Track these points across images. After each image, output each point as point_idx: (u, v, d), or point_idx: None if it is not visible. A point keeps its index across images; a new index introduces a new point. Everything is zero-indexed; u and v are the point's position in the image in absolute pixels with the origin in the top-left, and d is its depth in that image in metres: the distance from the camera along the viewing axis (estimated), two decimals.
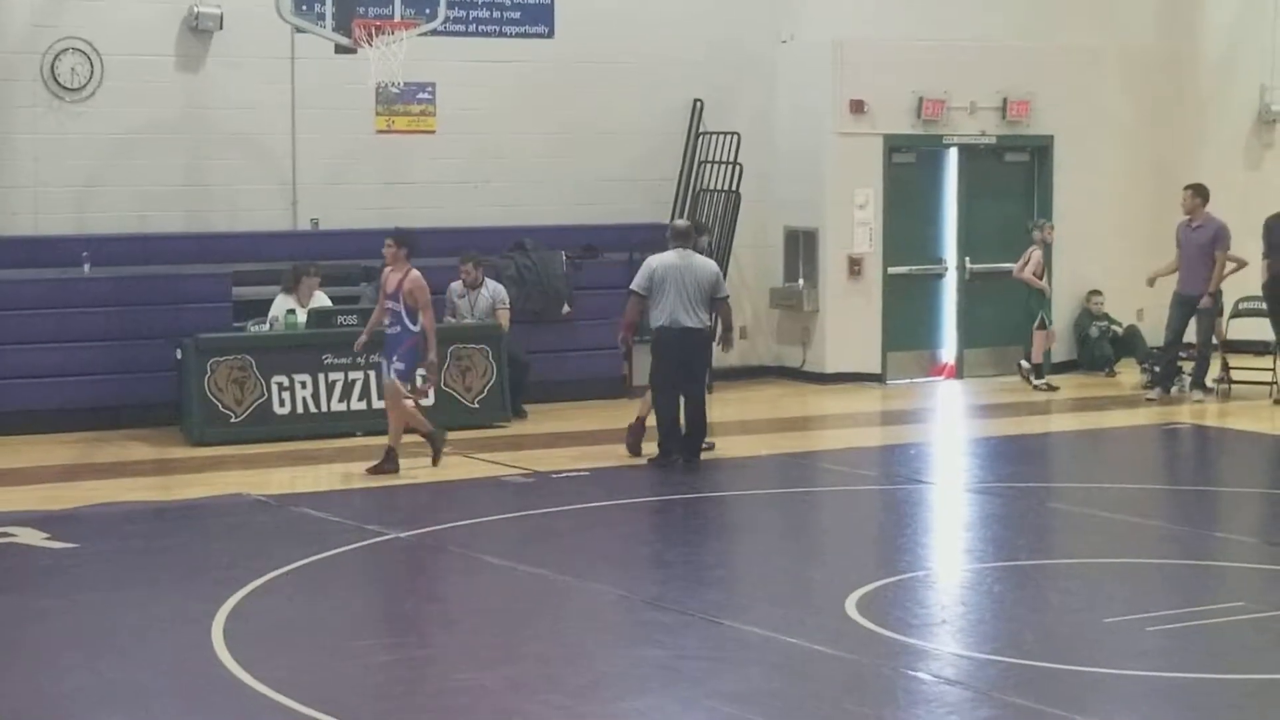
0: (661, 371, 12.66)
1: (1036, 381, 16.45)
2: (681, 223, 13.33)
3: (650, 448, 12.71)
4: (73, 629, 8.41)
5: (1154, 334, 16.69)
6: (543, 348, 15.07)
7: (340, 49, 13.84)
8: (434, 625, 8.66)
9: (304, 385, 13.65)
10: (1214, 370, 15.91)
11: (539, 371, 14.85)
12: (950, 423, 15.57)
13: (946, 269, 17.25)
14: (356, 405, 13.57)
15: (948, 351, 17.30)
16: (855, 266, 16.61)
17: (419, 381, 12.25)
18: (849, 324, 16.63)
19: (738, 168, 16.14)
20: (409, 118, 15.55)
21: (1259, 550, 10.30)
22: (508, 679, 7.61)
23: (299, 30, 14.14)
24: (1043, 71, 17.26)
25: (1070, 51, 17.44)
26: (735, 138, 16.16)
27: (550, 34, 16.02)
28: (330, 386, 13.71)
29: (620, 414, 14.40)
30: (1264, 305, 15.96)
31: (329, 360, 13.63)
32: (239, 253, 14.67)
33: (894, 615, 8.65)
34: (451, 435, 13.54)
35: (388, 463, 12.19)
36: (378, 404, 12.73)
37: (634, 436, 12.82)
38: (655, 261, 12.61)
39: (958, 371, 17.21)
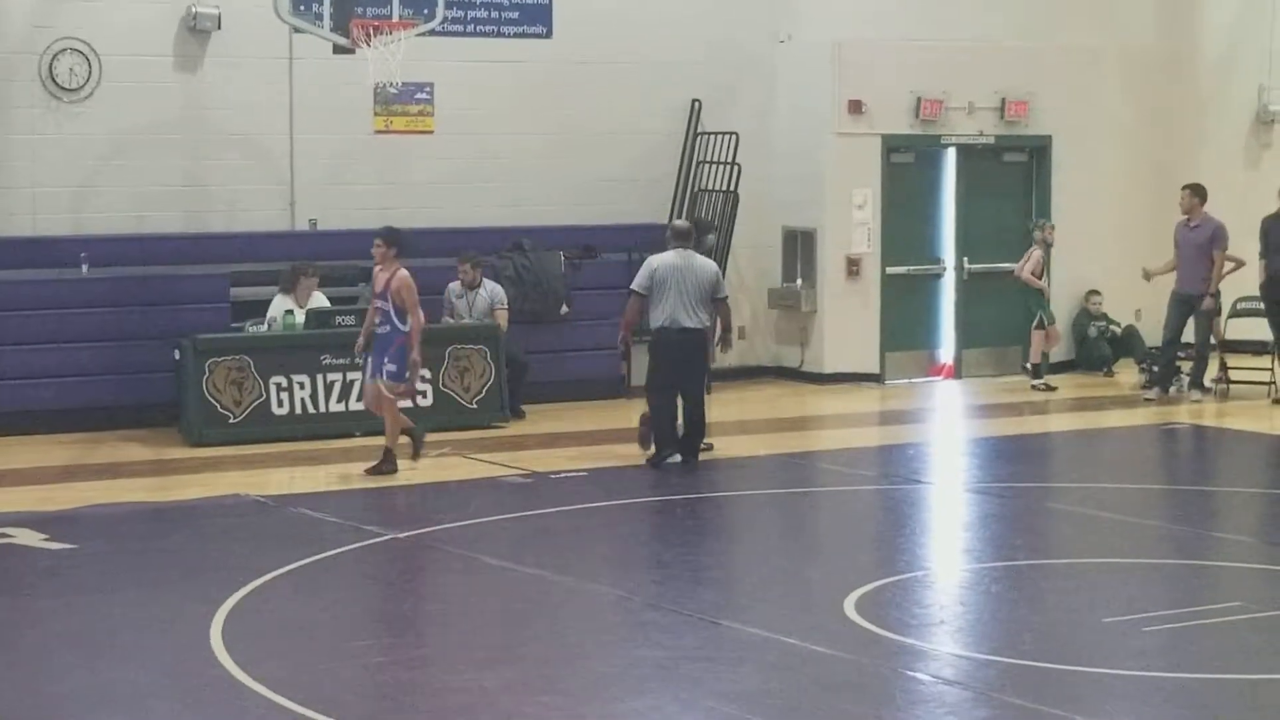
0: (659, 371, 12.66)
1: (1035, 382, 16.46)
2: (682, 223, 13.34)
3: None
4: (70, 630, 8.41)
5: (1152, 334, 16.69)
6: (541, 348, 15.07)
7: (338, 49, 13.83)
8: (432, 626, 8.66)
9: (302, 386, 13.65)
10: (1212, 370, 15.92)
11: (537, 372, 14.85)
12: (948, 423, 15.57)
13: (945, 269, 17.25)
14: (355, 406, 13.55)
15: (946, 351, 17.30)
16: (853, 266, 16.61)
17: (384, 375, 12.18)
18: (847, 324, 16.63)
19: (736, 168, 16.14)
20: (407, 118, 15.55)
21: (1257, 550, 10.31)
22: (506, 679, 7.61)
23: (297, 30, 14.13)
24: (1041, 71, 17.26)
25: (1069, 51, 17.44)
26: (733, 138, 16.16)
27: (548, 34, 16.02)
28: (328, 387, 13.70)
29: (618, 415, 14.42)
30: (1262, 305, 15.96)
31: (327, 361, 13.63)
32: (237, 253, 14.67)
33: (892, 615, 8.65)
34: (450, 436, 13.58)
35: (386, 463, 12.18)
36: (373, 405, 12.71)
37: (646, 427, 12.83)
38: (656, 261, 12.61)
39: (956, 372, 17.21)
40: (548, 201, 15.98)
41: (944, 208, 17.24)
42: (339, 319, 13.72)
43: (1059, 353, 17.11)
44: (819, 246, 16.59)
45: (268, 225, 15.01)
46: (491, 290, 14.68)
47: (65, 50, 14.35)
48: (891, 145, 16.77)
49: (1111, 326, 17.53)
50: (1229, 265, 15.71)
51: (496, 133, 15.76)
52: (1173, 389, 15.80)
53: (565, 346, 15.37)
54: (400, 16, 13.85)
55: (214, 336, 13.69)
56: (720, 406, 14.75)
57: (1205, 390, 15.77)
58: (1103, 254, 17.37)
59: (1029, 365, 16.69)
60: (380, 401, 12.20)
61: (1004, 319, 17.16)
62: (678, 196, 16.43)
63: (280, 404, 13.61)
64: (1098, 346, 17.42)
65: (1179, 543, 10.55)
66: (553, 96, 15.96)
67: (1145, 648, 8.12)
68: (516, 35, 15.90)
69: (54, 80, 14.34)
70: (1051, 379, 16.47)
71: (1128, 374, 17.04)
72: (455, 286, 14.65)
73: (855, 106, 16.50)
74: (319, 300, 14.06)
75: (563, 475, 12.21)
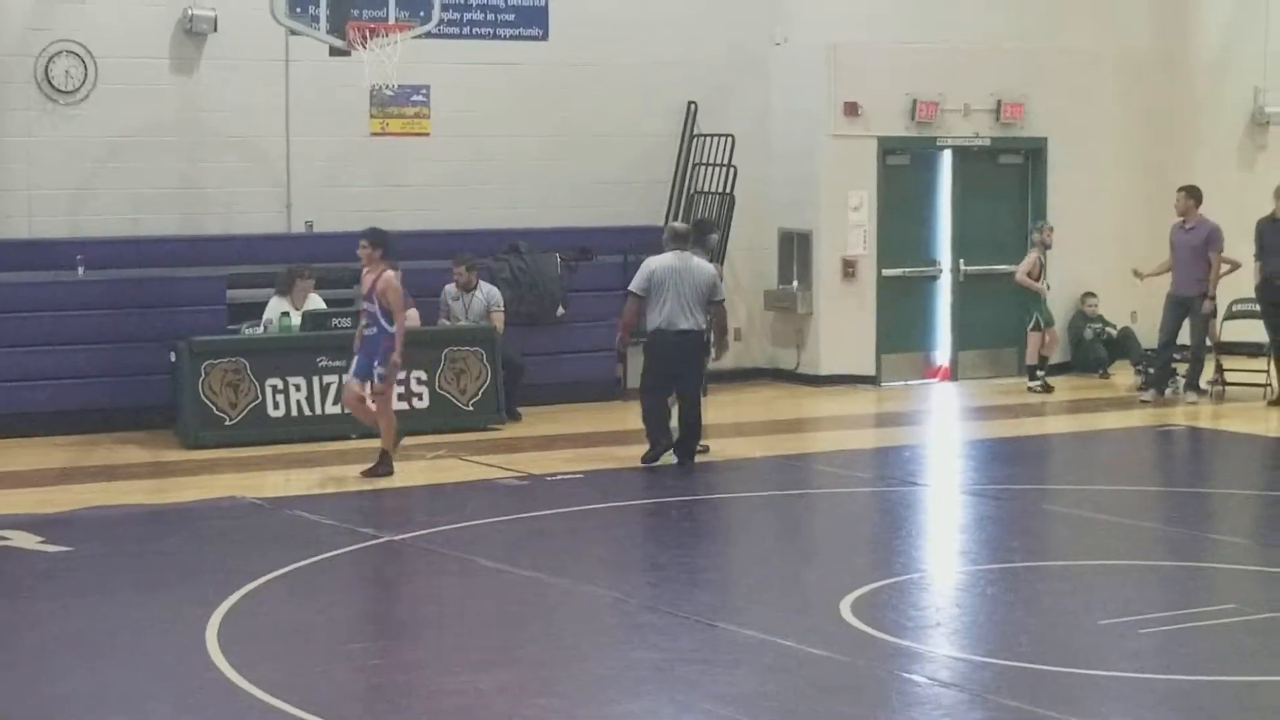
0: (653, 372, 12.68)
1: (1031, 383, 16.47)
2: (680, 225, 13.36)
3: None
4: (67, 632, 8.40)
5: (1148, 336, 16.70)
6: (537, 350, 15.07)
7: (335, 51, 13.83)
8: (428, 628, 8.66)
9: (298, 388, 13.64)
10: (1208, 372, 15.93)
11: (533, 374, 14.85)
12: (944, 425, 15.58)
13: (941, 271, 17.26)
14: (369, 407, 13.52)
15: (942, 354, 17.31)
16: (849, 268, 16.62)
17: (377, 378, 12.18)
18: (843, 326, 16.64)
19: (732, 170, 16.15)
20: (403, 120, 15.56)
21: (1252, 552, 10.32)
22: (502, 682, 7.61)
23: (293, 33, 14.14)
24: (1037, 73, 17.28)
25: (1064, 54, 17.45)
26: (729, 140, 16.17)
27: (545, 36, 16.03)
28: (324, 389, 13.70)
29: (615, 417, 14.43)
30: (1257, 307, 15.98)
31: (323, 363, 13.63)
32: (233, 255, 14.67)
33: (888, 617, 8.66)
34: (446, 438, 13.58)
35: (382, 466, 12.18)
36: (370, 406, 12.69)
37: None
38: (654, 263, 12.63)
39: (952, 374, 17.22)
40: (544, 204, 15.99)
41: (940, 210, 17.25)
42: (335, 321, 13.72)
43: (1054, 354, 17.10)
44: (815, 248, 16.60)
45: (264, 227, 15.01)
46: (488, 292, 14.69)
47: (61, 52, 14.35)
48: (887, 147, 16.78)
49: (1107, 328, 17.55)
50: (1225, 267, 15.72)
51: (492, 135, 15.76)
52: (1168, 391, 15.81)
53: (561, 349, 15.37)
54: (396, 19, 13.84)
55: (210, 339, 13.69)
56: (716, 408, 14.74)
57: (1201, 392, 15.78)
58: (1098, 256, 17.38)
59: (1028, 366, 16.70)
60: (355, 401, 12.18)
61: (1000, 321, 17.17)
62: (674, 199, 16.44)
63: (276, 406, 13.61)
64: (1093, 348, 17.43)
65: (1174, 545, 10.56)
66: (549, 99, 15.96)
67: (1141, 650, 8.12)
68: (513, 38, 15.91)
69: (50, 83, 14.34)
70: (1050, 380, 16.46)
71: (1123, 376, 17.05)
72: (451, 289, 14.65)
73: (851, 109, 16.51)
74: (315, 302, 14.06)
75: (559, 477, 12.22)
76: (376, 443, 12.34)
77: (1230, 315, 16.37)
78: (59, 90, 14.37)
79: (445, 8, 14.67)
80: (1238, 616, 8.61)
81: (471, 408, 14.24)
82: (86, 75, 14.42)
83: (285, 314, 13.90)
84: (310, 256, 14.57)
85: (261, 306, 14.07)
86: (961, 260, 17.19)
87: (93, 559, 10.01)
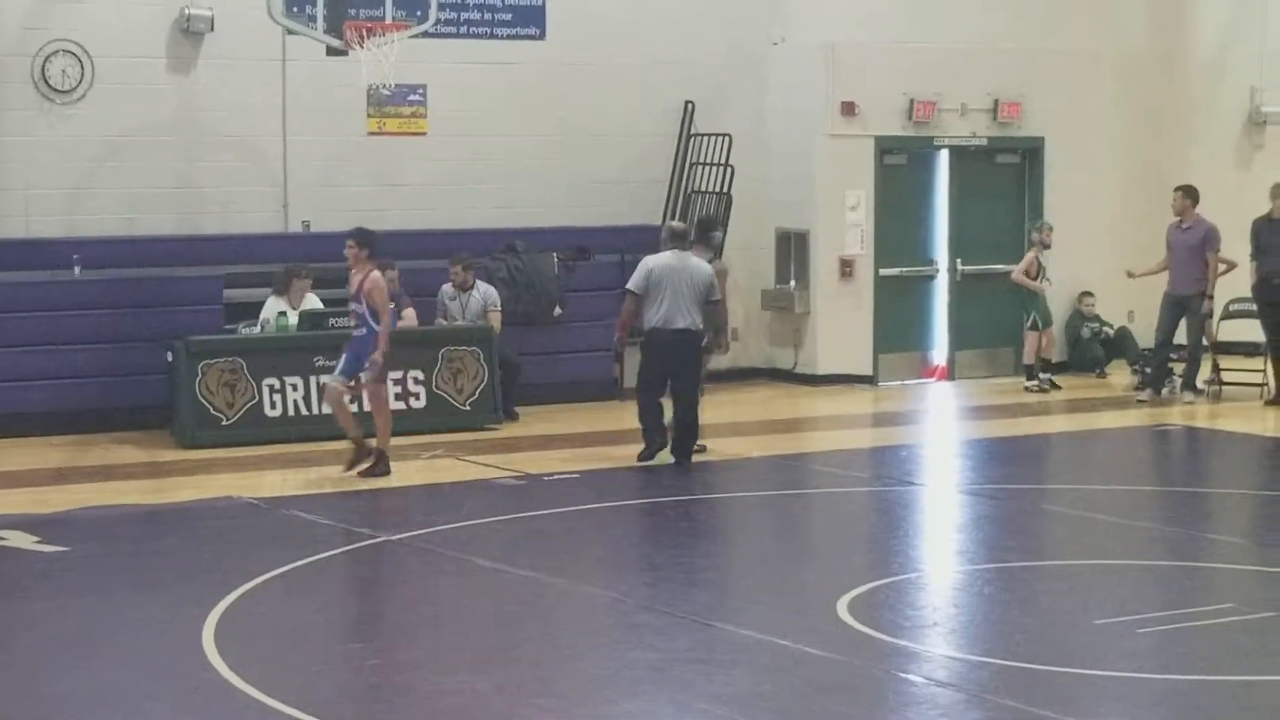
0: (649, 371, 12.69)
1: (1028, 383, 16.47)
2: (678, 224, 13.39)
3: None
4: (63, 632, 8.40)
5: (1145, 335, 16.71)
6: (534, 350, 15.07)
7: (331, 51, 13.83)
8: (425, 628, 8.65)
9: (295, 388, 13.64)
10: (1204, 372, 15.93)
11: (530, 373, 14.85)
12: (941, 424, 15.58)
13: (938, 271, 17.26)
14: (350, 407, 13.51)
15: (939, 353, 17.31)
16: (847, 268, 16.62)
17: (364, 377, 12.15)
18: (840, 326, 16.64)
19: (729, 170, 16.15)
20: (400, 120, 15.55)
21: (1249, 551, 10.32)
22: (499, 682, 7.61)
23: (290, 32, 14.13)
24: (1034, 73, 17.28)
25: (1061, 53, 17.46)
26: (727, 140, 16.17)
27: (542, 36, 16.03)
28: (321, 389, 13.66)
29: (611, 417, 14.42)
30: (1254, 306, 15.98)
31: (320, 363, 13.61)
32: (230, 255, 14.67)
33: (885, 617, 8.66)
34: (443, 438, 13.58)
35: (378, 465, 12.17)
36: (368, 406, 12.71)
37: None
38: (652, 262, 12.64)
39: (949, 373, 17.22)
40: (541, 203, 15.99)
41: (937, 209, 17.25)
42: (332, 321, 13.71)
43: (1052, 355, 17.09)
44: (812, 248, 16.60)
45: (261, 227, 15.01)
46: (485, 292, 14.68)
47: (58, 52, 14.35)
48: (884, 147, 16.78)
49: (1104, 328, 17.55)
50: (1221, 267, 15.73)
51: (489, 134, 15.76)
52: (1165, 390, 15.82)
53: (558, 348, 15.37)
54: (393, 18, 13.84)
55: (206, 338, 13.68)
56: (713, 408, 14.72)
57: (1198, 392, 15.79)
58: (1095, 256, 17.39)
59: (1026, 366, 16.70)
60: (339, 400, 12.16)
61: (997, 321, 17.18)
62: (671, 198, 16.44)
63: (273, 406, 13.60)
64: (1090, 348, 17.44)
65: (1171, 544, 10.56)
66: (546, 98, 15.96)
67: (1138, 649, 8.12)
68: (510, 37, 15.91)
69: (46, 82, 14.33)
70: (1044, 380, 16.46)
71: (1120, 375, 17.06)
72: (448, 288, 14.65)
73: (848, 108, 16.51)
74: (312, 302, 14.05)
75: (556, 477, 12.22)
76: (372, 443, 12.32)
77: (1227, 315, 16.38)
78: (56, 90, 14.37)
79: (442, 7, 14.67)
80: (1235, 616, 8.61)
81: (468, 407, 14.24)
82: (83, 75, 14.41)
83: (282, 314, 13.90)
84: (307, 256, 14.56)
85: (258, 306, 14.07)
86: (958, 260, 17.20)
87: (89, 559, 10.00)
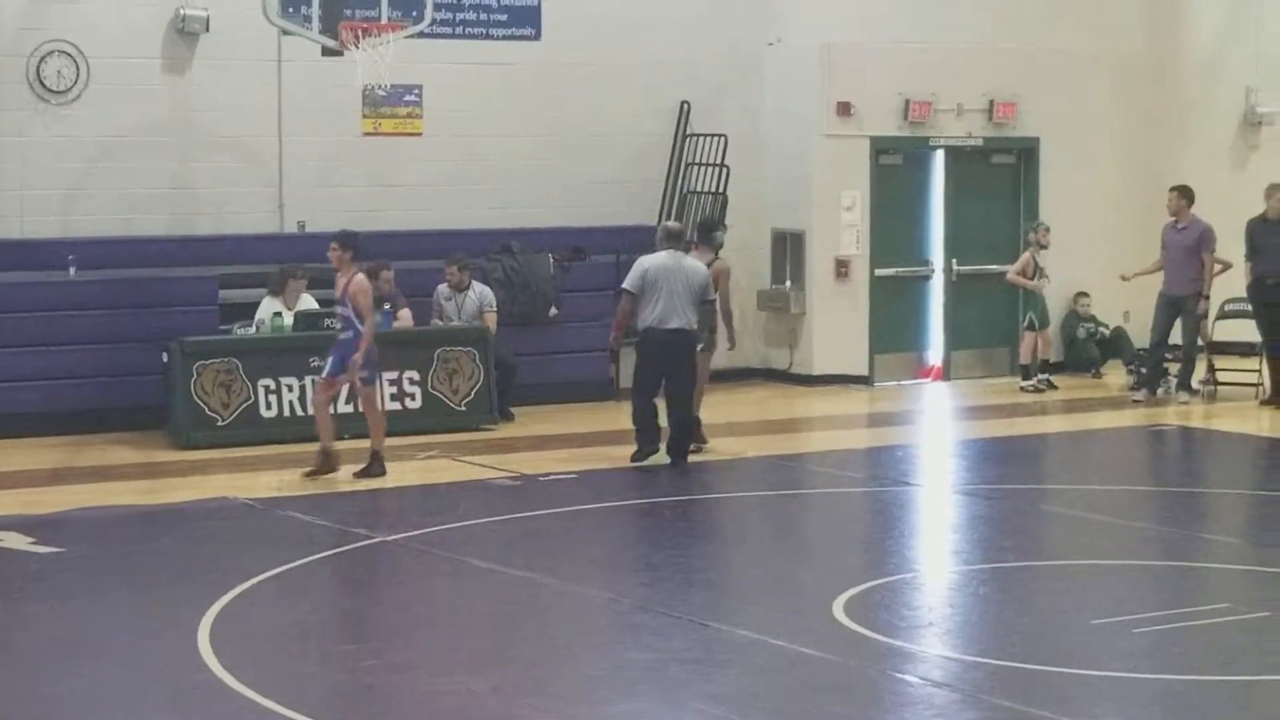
0: (644, 370, 12.69)
1: (1023, 383, 16.47)
2: (673, 224, 13.41)
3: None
4: (58, 634, 8.39)
5: (1140, 335, 16.72)
6: (530, 350, 15.06)
7: (327, 51, 13.82)
8: (420, 629, 8.65)
9: (290, 388, 13.63)
10: (1200, 372, 15.94)
11: (526, 374, 14.85)
12: (937, 425, 15.59)
13: (933, 271, 17.27)
14: (343, 409, 13.52)
15: (934, 353, 17.31)
16: (842, 268, 16.62)
17: (340, 377, 12.09)
18: (836, 326, 16.64)
19: (725, 170, 16.15)
20: (396, 120, 15.55)
21: (1244, 552, 10.33)
22: (495, 682, 7.61)
23: (285, 32, 14.12)
24: (1029, 73, 17.29)
25: (1056, 54, 17.47)
26: (722, 140, 16.17)
27: (537, 36, 16.02)
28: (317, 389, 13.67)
29: (607, 417, 14.41)
30: (1249, 307, 15.99)
31: (316, 363, 13.59)
32: (225, 255, 14.65)
33: (881, 617, 8.66)
34: (439, 438, 13.57)
35: (374, 466, 12.17)
36: (329, 411, 12.68)
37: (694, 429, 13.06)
38: (647, 261, 12.65)
39: (945, 373, 17.22)
40: (536, 204, 15.98)
41: (932, 210, 17.26)
42: (327, 321, 13.65)
43: (1049, 355, 17.08)
44: (808, 248, 16.60)
45: (256, 227, 15.00)
46: (480, 292, 14.67)
47: (53, 52, 14.33)
48: (880, 147, 16.78)
49: (1100, 328, 17.56)
50: (1216, 267, 15.73)
51: (485, 135, 15.75)
52: (1161, 390, 15.82)
53: (554, 349, 15.36)
54: (389, 18, 13.82)
55: (202, 339, 13.67)
56: (709, 408, 14.70)
57: (1193, 392, 15.79)
58: (1091, 256, 17.39)
59: (1022, 366, 16.70)
60: (326, 402, 12.13)
61: (992, 321, 17.19)
62: (667, 198, 16.44)
63: (269, 406, 13.60)
64: (1086, 348, 17.45)
65: (1167, 544, 10.56)
66: (541, 99, 15.96)
67: (1133, 649, 8.13)
68: (505, 37, 15.90)
69: (42, 82, 14.31)
70: (1040, 381, 16.46)
71: (1116, 375, 17.06)
72: (444, 289, 14.64)
73: (844, 108, 16.51)
74: (307, 302, 14.04)
75: (552, 477, 12.21)
76: (368, 443, 12.32)
77: (1222, 315, 16.39)
78: (51, 90, 14.35)
79: (438, 7, 14.65)
80: (1231, 616, 8.62)
81: (464, 408, 14.23)
82: (78, 75, 14.39)
83: (277, 314, 13.89)
84: (302, 257, 14.53)
85: (254, 307, 14.06)
86: (954, 260, 17.20)
87: (84, 560, 9.99)
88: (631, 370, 13.15)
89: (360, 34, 13.54)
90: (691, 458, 12.79)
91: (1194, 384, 15.83)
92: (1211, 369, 16.04)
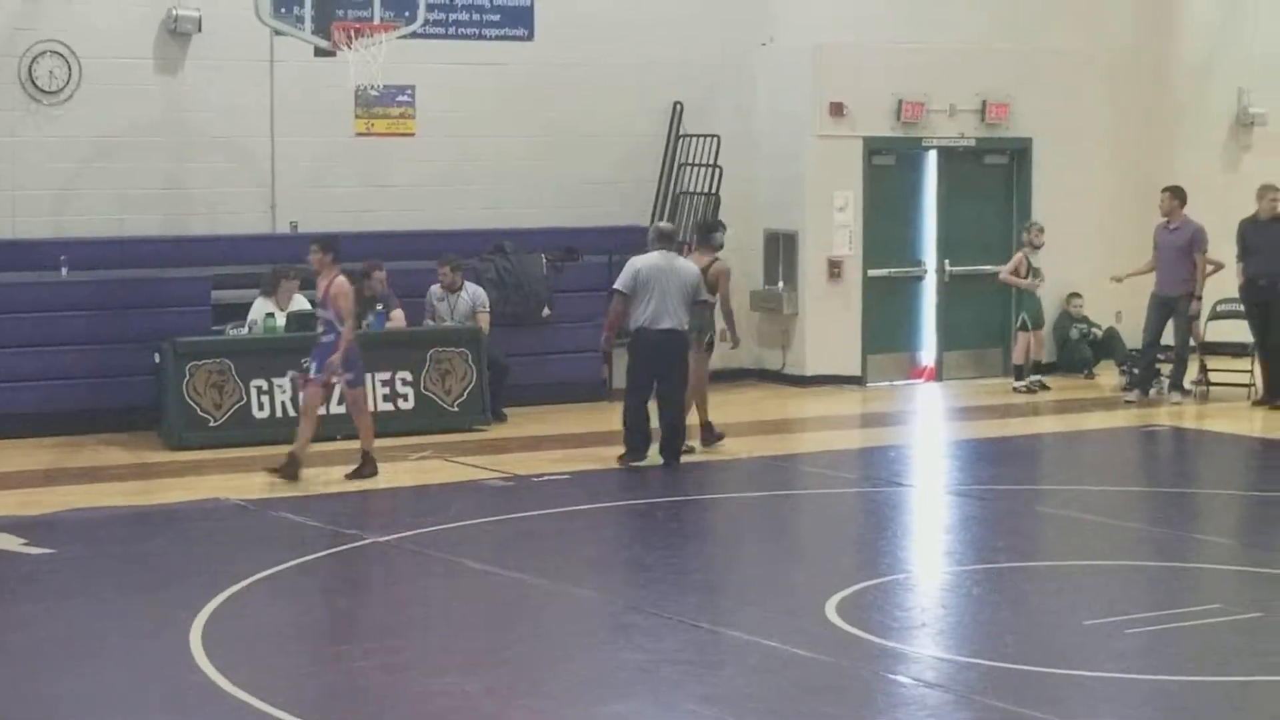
0: (637, 371, 12.69)
1: (1016, 384, 16.47)
2: (665, 224, 13.41)
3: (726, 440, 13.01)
4: (51, 635, 8.38)
5: (1133, 336, 16.73)
6: (522, 351, 15.05)
7: (319, 52, 13.80)
8: (413, 630, 8.64)
9: (283, 389, 13.60)
10: (1192, 372, 15.96)
11: (519, 374, 14.84)
12: (930, 425, 15.59)
13: (926, 271, 17.27)
14: (336, 409, 13.48)
15: (927, 354, 17.32)
16: (835, 269, 16.63)
17: (312, 369, 12.06)
18: (829, 326, 16.65)
19: (717, 170, 16.15)
20: (388, 120, 15.53)
21: (1236, 552, 10.34)
22: (488, 683, 7.60)
23: (278, 33, 14.11)
24: (1021, 74, 17.30)
25: (1049, 54, 17.48)
26: (715, 140, 16.17)
27: (530, 37, 16.01)
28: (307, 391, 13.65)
29: (600, 417, 14.40)
30: (1241, 307, 16.01)
31: (307, 364, 13.56)
32: (218, 256, 14.64)
33: (874, 618, 8.66)
34: (431, 439, 13.56)
35: (366, 467, 12.16)
36: (368, 409, 12.69)
37: (706, 433, 13.13)
38: (639, 262, 12.65)
39: (937, 374, 17.23)
40: (529, 204, 15.97)
41: (925, 210, 17.26)
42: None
43: (1041, 356, 17.09)
44: (800, 249, 16.60)
45: (249, 228, 14.98)
46: (473, 293, 14.67)
47: (45, 53, 14.31)
48: (873, 148, 16.79)
49: (1092, 329, 17.57)
50: (1209, 268, 15.75)
51: (478, 135, 15.75)
52: (1153, 391, 15.84)
53: (547, 349, 15.35)
54: (381, 19, 13.82)
55: (194, 340, 13.65)
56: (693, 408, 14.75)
57: (1185, 392, 15.81)
58: (1083, 256, 17.40)
59: (1015, 366, 16.72)
60: (315, 406, 12.11)
61: (985, 321, 17.20)
62: (659, 199, 16.43)
63: (261, 407, 13.58)
64: (1078, 349, 17.45)
65: (1159, 545, 10.57)
66: (534, 99, 15.95)
67: (1126, 650, 8.14)
68: (498, 38, 15.90)
69: (34, 83, 14.29)
70: (1033, 381, 16.46)
71: (1108, 376, 17.07)
72: (436, 289, 14.63)
73: (836, 109, 16.52)
74: (300, 303, 14.02)
75: (544, 478, 12.21)
76: (358, 444, 12.31)
77: (1214, 315, 16.40)
78: (43, 90, 14.33)
79: (430, 8, 14.64)
80: (1223, 616, 8.63)
81: (457, 409, 14.22)
82: (70, 75, 14.37)
83: (270, 315, 13.87)
84: (295, 257, 14.46)
85: (246, 307, 14.04)
86: (947, 260, 17.21)
87: (77, 561, 9.98)
88: (624, 370, 13.14)
89: (353, 34, 13.53)
90: (683, 458, 12.78)
91: (1186, 385, 15.84)
92: (1204, 370, 16.06)
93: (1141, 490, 12.66)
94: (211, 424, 13.42)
